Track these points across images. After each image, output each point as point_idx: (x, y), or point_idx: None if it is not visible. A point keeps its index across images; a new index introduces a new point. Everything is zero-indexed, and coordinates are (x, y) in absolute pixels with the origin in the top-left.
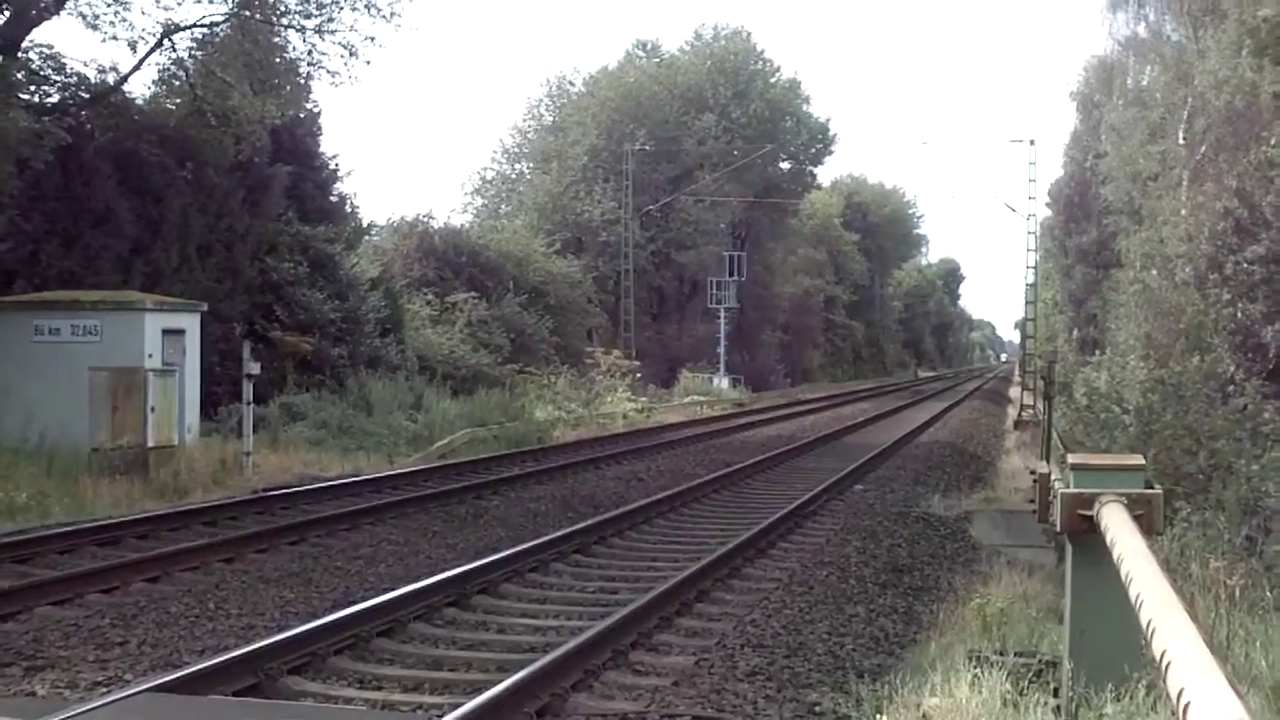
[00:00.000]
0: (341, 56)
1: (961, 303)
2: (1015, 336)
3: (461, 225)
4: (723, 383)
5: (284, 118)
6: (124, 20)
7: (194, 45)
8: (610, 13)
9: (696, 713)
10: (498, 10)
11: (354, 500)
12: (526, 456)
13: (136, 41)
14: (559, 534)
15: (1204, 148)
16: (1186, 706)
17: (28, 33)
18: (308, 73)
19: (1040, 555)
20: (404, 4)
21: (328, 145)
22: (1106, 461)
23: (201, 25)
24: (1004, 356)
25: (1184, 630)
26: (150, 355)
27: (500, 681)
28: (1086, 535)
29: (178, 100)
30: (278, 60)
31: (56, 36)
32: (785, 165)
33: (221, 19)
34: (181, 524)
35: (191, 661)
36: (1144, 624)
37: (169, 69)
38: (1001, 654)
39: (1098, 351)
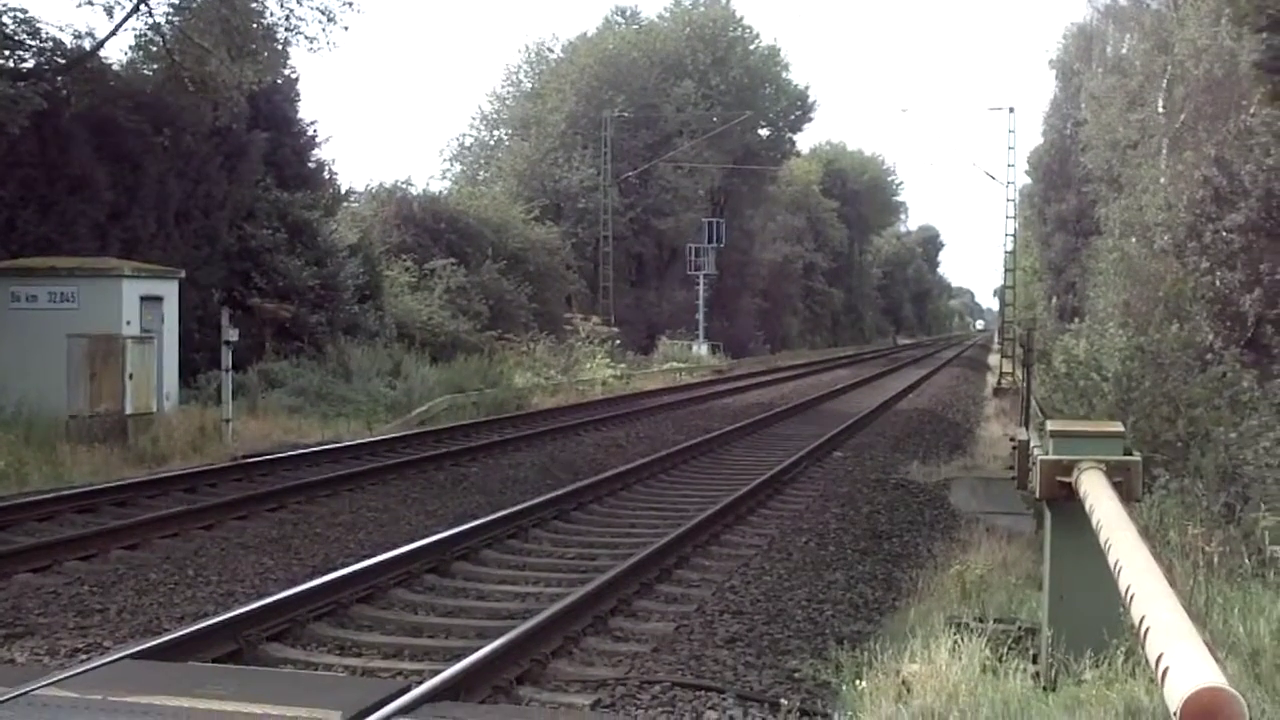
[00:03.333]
0: (319, 22)
1: (940, 270)
2: (995, 304)
3: (440, 192)
4: (702, 349)
5: (262, 84)
6: None
7: (171, 10)
8: None
9: (676, 679)
10: None
11: (333, 467)
12: (506, 423)
13: (113, 6)
14: (538, 500)
15: (1183, 116)
16: (1165, 671)
17: None
18: (285, 38)
19: (1019, 522)
20: None
21: (306, 111)
22: (1086, 428)
23: None
24: (980, 324)
25: (1163, 596)
26: (128, 322)
27: (480, 648)
28: (1065, 502)
29: (155, 66)
30: (255, 25)
31: (31, 1)
32: (764, 132)
33: None
34: (160, 491)
35: (171, 628)
36: (1123, 590)
37: (146, 34)
38: (981, 620)
39: (1077, 319)
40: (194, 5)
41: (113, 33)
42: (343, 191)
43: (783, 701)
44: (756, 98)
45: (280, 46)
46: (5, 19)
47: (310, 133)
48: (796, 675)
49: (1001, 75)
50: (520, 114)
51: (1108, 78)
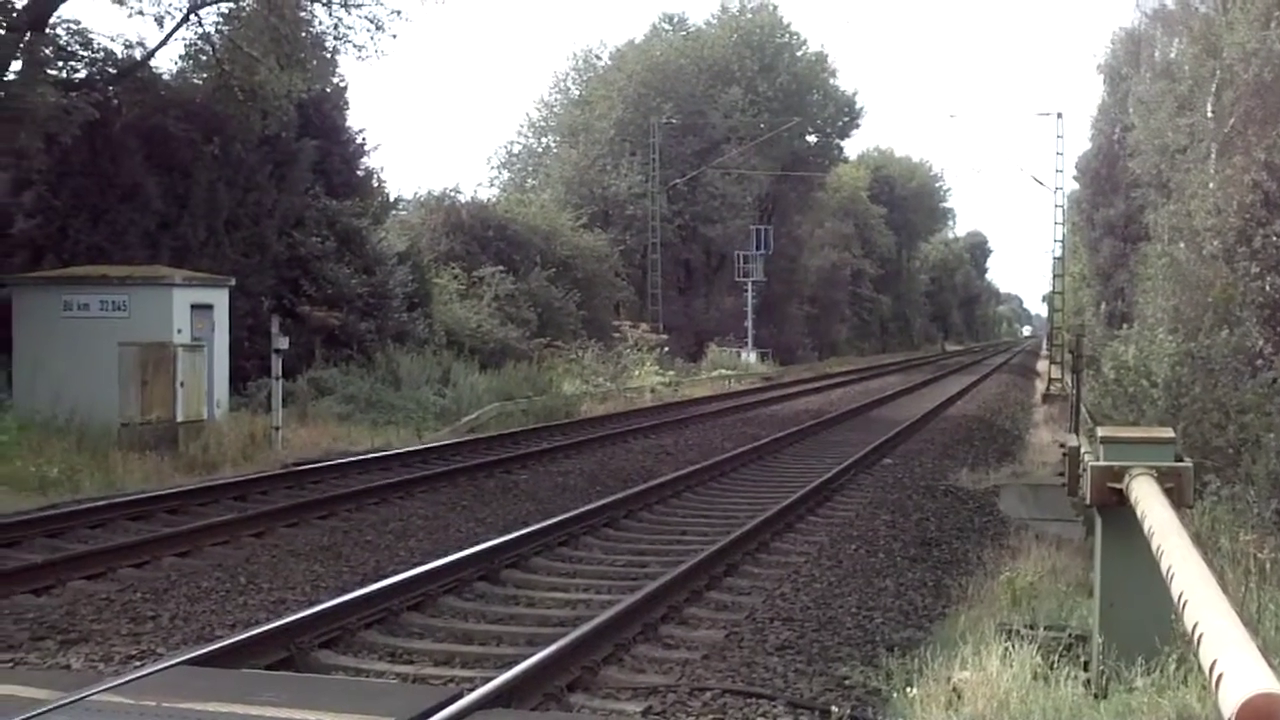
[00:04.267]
0: (367, 30)
1: (989, 276)
2: (1043, 310)
3: (488, 199)
4: (750, 356)
5: (310, 92)
6: None
7: (220, 20)
8: None
9: (727, 686)
10: None
11: (383, 474)
12: (554, 430)
13: (163, 16)
14: (588, 508)
15: (1232, 120)
16: (1219, 678)
17: (55, 8)
18: (334, 47)
19: (1069, 529)
20: None
21: (354, 119)
22: (1136, 435)
23: (228, 0)
24: (1027, 329)
25: (1216, 603)
26: (179, 330)
27: (531, 655)
28: (1116, 508)
29: (204, 75)
30: (304, 34)
31: (83, 11)
32: (812, 138)
33: None
34: (211, 499)
35: (223, 635)
36: (1175, 597)
37: (195, 44)
38: (1031, 628)
39: (1125, 325)
40: (243, 15)
41: (163, 43)
42: (391, 199)
43: (833, 709)
44: (804, 104)
45: (329, 55)
46: (59, 30)
47: (359, 141)
48: (847, 682)
49: (1049, 81)
50: (568, 121)
51: (1156, 82)
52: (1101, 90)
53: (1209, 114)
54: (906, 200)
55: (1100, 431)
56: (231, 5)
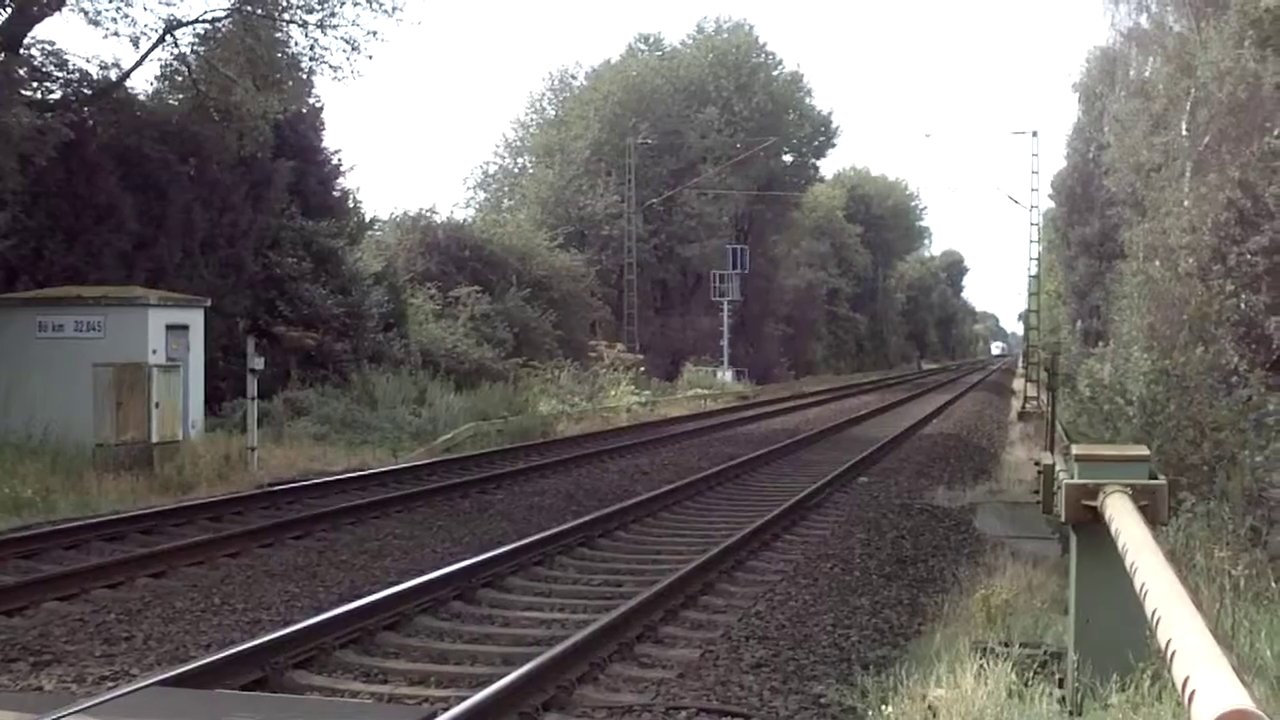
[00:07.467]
0: (343, 51)
1: (965, 295)
2: (1019, 328)
3: (464, 220)
4: (726, 376)
5: (286, 113)
6: (126, 16)
7: (196, 41)
8: (612, 6)
9: (702, 705)
10: (499, 4)
11: (359, 495)
12: (530, 450)
13: (139, 37)
14: (563, 527)
15: (1207, 139)
16: (1192, 695)
17: (30, 29)
18: (310, 68)
19: (1045, 547)
20: None
21: (330, 140)
22: (1111, 452)
23: (203, 21)
24: (997, 347)
25: (1189, 620)
26: (154, 351)
27: (506, 675)
28: (1091, 526)
29: (180, 96)
30: (280, 55)
31: (58, 33)
32: (788, 158)
33: (223, 14)
34: (186, 519)
35: (197, 656)
36: (1149, 614)
37: (171, 65)
38: (1006, 645)
39: (1101, 343)
40: (219, 35)
41: (139, 63)
42: (367, 220)
43: None
44: (780, 124)
45: (305, 76)
46: (33, 51)
47: (335, 161)
48: (822, 701)
49: (1024, 99)
50: (544, 141)
51: (1131, 101)
52: (1077, 109)
53: (1184, 132)
54: (883, 219)
55: (1075, 449)
56: (207, 26)
